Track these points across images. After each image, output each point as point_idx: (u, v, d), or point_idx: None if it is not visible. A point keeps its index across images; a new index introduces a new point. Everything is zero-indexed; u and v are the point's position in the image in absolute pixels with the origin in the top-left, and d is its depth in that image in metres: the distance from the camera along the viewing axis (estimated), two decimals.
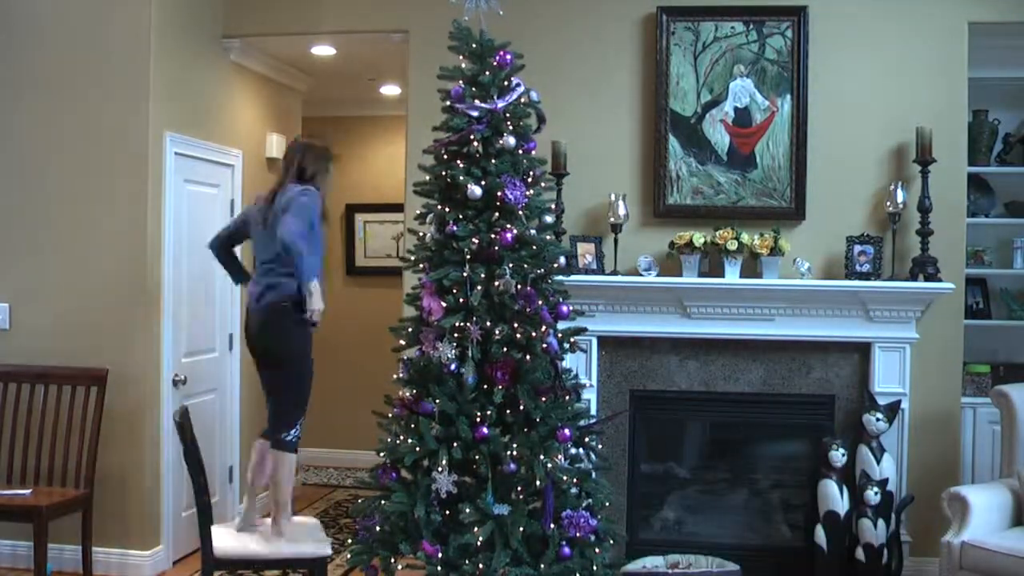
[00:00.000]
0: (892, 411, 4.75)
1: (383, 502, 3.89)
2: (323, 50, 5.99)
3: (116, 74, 4.97)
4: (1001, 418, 4.69)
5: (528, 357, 3.79)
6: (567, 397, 3.95)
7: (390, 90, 7.07)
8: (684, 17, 5.06)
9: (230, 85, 5.82)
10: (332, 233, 7.91)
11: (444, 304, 3.82)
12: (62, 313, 5.00)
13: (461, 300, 3.82)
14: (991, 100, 5.43)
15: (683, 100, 5.07)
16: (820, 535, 4.70)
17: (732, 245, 4.87)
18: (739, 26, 5.03)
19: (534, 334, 3.79)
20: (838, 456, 4.70)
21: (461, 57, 4.01)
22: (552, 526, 3.74)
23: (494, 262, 3.83)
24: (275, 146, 6.32)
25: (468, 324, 3.77)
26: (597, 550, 3.87)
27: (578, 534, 3.76)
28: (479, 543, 3.61)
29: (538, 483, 3.71)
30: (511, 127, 3.93)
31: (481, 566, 3.61)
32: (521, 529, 3.65)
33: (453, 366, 3.80)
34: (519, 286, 3.82)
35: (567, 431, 3.83)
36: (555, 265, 3.99)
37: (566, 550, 3.75)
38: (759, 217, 5.01)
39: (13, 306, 5.07)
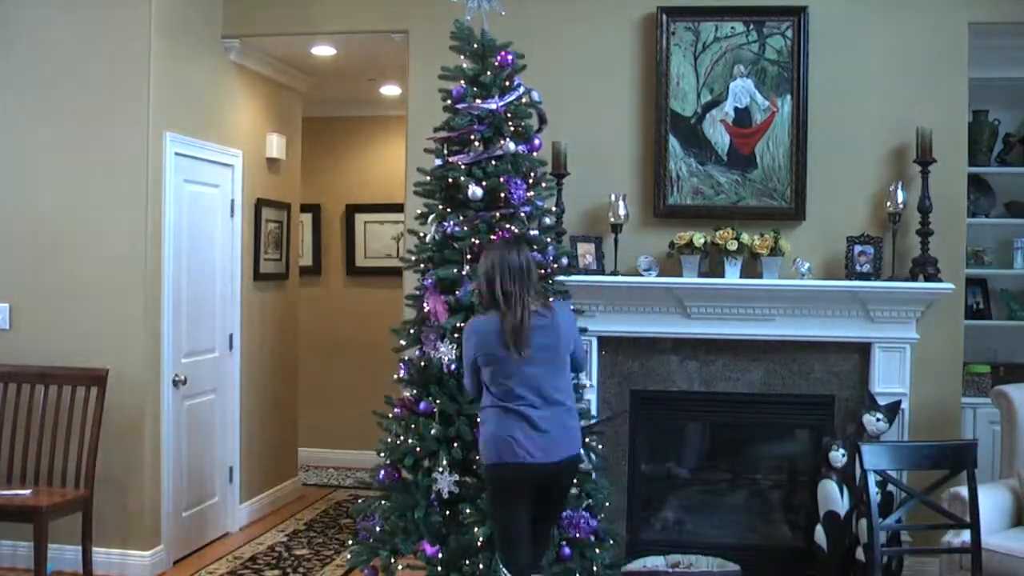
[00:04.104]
0: (892, 411, 4.75)
1: (383, 502, 3.90)
2: (323, 50, 5.99)
3: (116, 74, 4.97)
4: (1001, 418, 4.69)
5: None
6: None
7: (390, 90, 7.07)
8: (684, 17, 5.06)
9: (230, 85, 5.82)
10: (332, 233, 7.93)
11: (448, 305, 3.83)
12: (62, 313, 4.99)
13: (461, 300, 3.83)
14: (991, 100, 5.43)
15: (683, 100, 5.06)
16: (820, 535, 4.70)
17: (732, 245, 4.87)
18: (739, 26, 5.02)
19: None
20: (838, 456, 4.70)
21: (462, 57, 4.01)
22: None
23: None
24: (275, 146, 6.32)
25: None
26: (597, 550, 3.88)
27: (578, 534, 3.77)
28: (479, 543, 3.62)
29: None
30: (512, 127, 3.94)
31: (481, 566, 3.62)
32: None
33: (453, 366, 3.80)
34: None
35: None
36: (556, 265, 4.00)
37: (566, 550, 3.75)
38: (759, 217, 5.01)
39: (13, 306, 5.07)
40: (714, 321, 4.96)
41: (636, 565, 4.71)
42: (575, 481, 3.77)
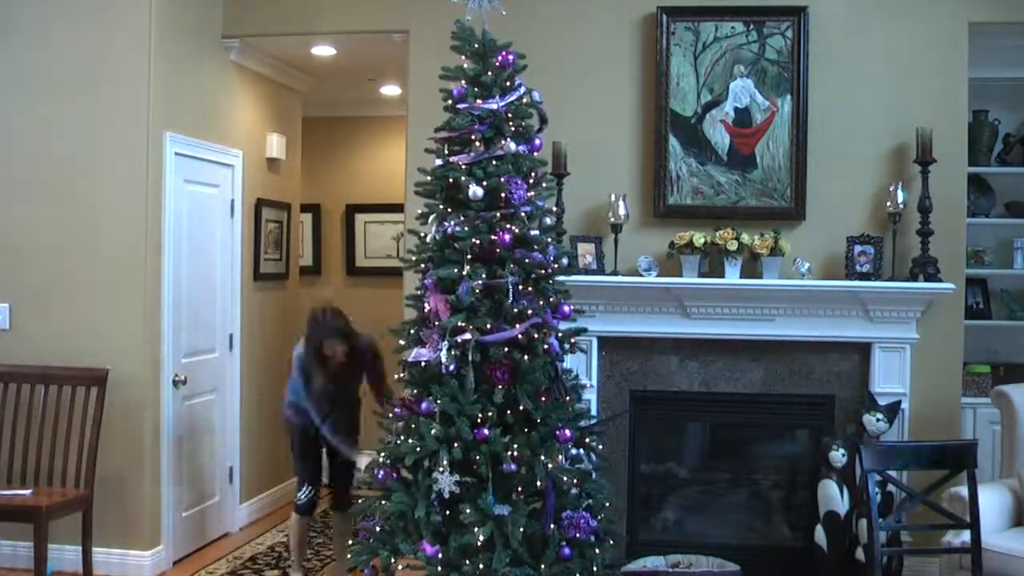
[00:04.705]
0: (892, 411, 4.75)
1: (383, 502, 3.89)
2: (323, 50, 5.99)
3: (116, 74, 4.97)
4: (1001, 418, 4.69)
5: (527, 358, 3.79)
6: (567, 398, 3.95)
7: (390, 90, 7.07)
8: (684, 17, 5.06)
9: (230, 85, 5.82)
10: (332, 233, 7.92)
11: (449, 304, 3.82)
12: (62, 313, 4.99)
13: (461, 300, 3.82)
14: (991, 100, 5.43)
15: (683, 100, 5.07)
16: (820, 535, 4.70)
17: (732, 245, 4.87)
18: (739, 26, 5.02)
19: (535, 335, 3.79)
20: (838, 456, 4.70)
21: (463, 57, 4.01)
22: (552, 526, 3.74)
23: (495, 262, 3.83)
24: (275, 146, 6.31)
25: (468, 324, 3.77)
26: (597, 550, 3.87)
27: (578, 535, 3.76)
28: (479, 543, 3.61)
29: (538, 483, 3.71)
30: (513, 127, 3.93)
31: (481, 566, 3.61)
32: (521, 529, 3.64)
33: (452, 367, 3.79)
34: (520, 286, 3.82)
35: (567, 432, 3.83)
36: (556, 265, 3.99)
37: (566, 550, 3.74)
38: (759, 217, 5.01)
39: (13, 306, 5.07)
40: (714, 321, 4.96)
41: (636, 565, 4.71)
42: (576, 481, 3.79)
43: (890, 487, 4.64)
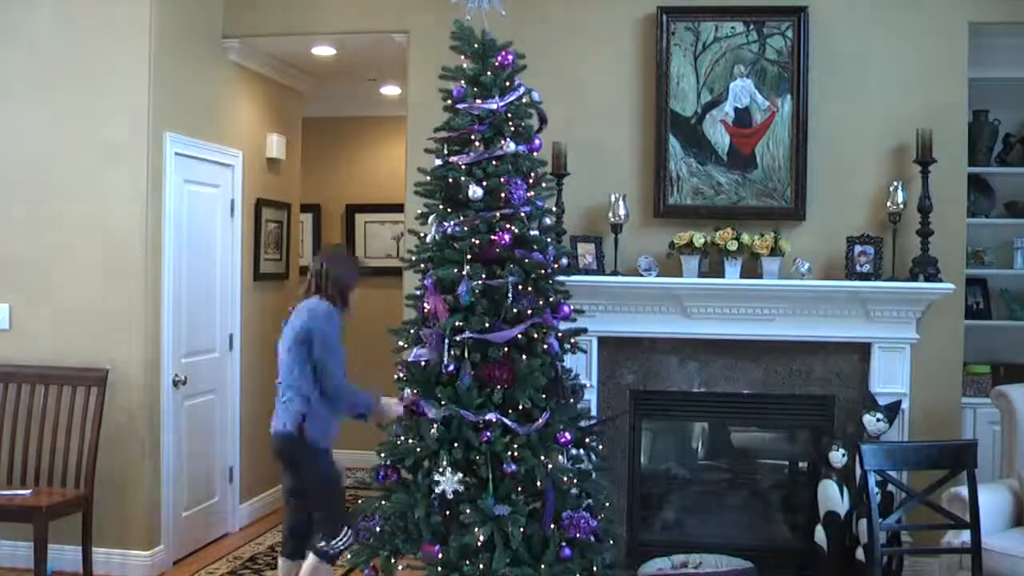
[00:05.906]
0: (892, 411, 4.75)
1: (383, 502, 3.90)
2: (323, 50, 5.99)
3: (116, 74, 4.97)
4: (1001, 418, 4.69)
5: (527, 357, 3.79)
6: (572, 399, 3.95)
7: (390, 90, 7.07)
8: (684, 17, 5.06)
9: (230, 85, 5.82)
10: (332, 233, 7.92)
11: (448, 305, 3.82)
12: (62, 313, 4.99)
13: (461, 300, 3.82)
14: (991, 100, 5.42)
15: (683, 100, 5.06)
16: (820, 535, 4.70)
17: (732, 245, 4.87)
18: (739, 26, 5.02)
19: (535, 335, 3.79)
20: (838, 456, 4.70)
21: (463, 57, 4.01)
22: (552, 527, 3.74)
23: (495, 262, 3.83)
24: (275, 146, 6.31)
25: (467, 324, 3.76)
26: (597, 551, 3.87)
27: (578, 535, 3.76)
28: (479, 543, 3.61)
29: (538, 484, 3.71)
30: (512, 128, 3.93)
31: (481, 566, 3.62)
32: (521, 530, 3.65)
33: (452, 367, 3.79)
34: (520, 286, 3.82)
35: (567, 432, 3.83)
36: (556, 265, 3.99)
37: (566, 551, 3.75)
38: (759, 217, 5.01)
39: (13, 306, 5.07)
40: (714, 321, 4.96)
41: (650, 568, 4.71)
42: (575, 481, 3.78)
43: (890, 487, 4.64)
